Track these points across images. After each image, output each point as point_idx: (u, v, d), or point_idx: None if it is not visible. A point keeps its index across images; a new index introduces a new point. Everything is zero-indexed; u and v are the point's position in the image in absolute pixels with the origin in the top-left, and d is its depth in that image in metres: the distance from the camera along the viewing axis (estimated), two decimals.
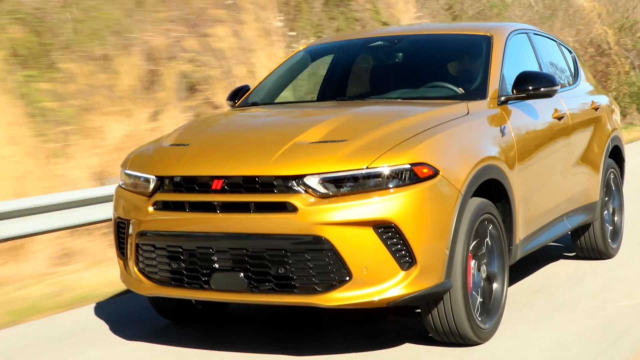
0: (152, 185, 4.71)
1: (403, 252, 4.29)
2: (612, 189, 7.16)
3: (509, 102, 5.42)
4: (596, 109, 6.86)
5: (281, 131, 4.86)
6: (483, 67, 5.51)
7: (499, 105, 5.32)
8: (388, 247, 4.27)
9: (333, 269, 4.28)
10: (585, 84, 7.10)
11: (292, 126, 4.98)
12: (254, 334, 5.23)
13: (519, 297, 5.78)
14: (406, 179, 4.32)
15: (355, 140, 4.46)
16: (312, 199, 4.28)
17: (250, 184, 4.39)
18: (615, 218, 7.22)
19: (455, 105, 5.12)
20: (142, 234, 4.70)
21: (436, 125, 4.69)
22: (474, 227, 4.67)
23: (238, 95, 6.19)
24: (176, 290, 4.66)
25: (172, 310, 5.34)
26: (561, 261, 6.97)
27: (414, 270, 4.31)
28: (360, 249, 4.25)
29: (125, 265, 4.90)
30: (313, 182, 4.30)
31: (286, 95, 6.38)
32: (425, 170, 4.36)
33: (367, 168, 4.29)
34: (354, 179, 4.29)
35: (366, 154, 4.35)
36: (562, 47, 7.05)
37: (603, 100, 7.22)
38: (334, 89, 6.27)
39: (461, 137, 4.80)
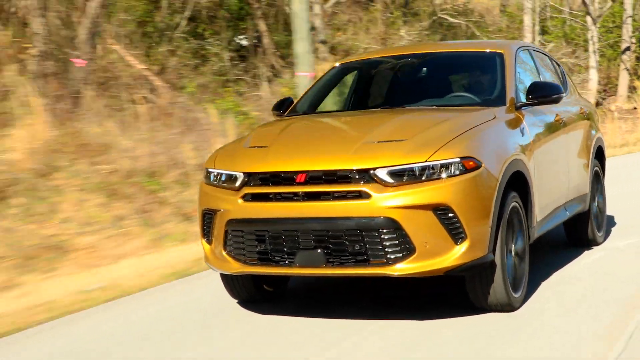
0: (239, 181, 5.63)
1: (457, 230, 5.29)
2: (598, 185, 8.26)
3: (522, 107, 6.47)
4: (584, 115, 7.97)
5: (350, 133, 5.94)
6: (500, 78, 6.56)
7: (515, 110, 6.37)
8: (445, 225, 5.26)
9: (400, 245, 5.25)
10: (573, 94, 8.21)
11: (358, 129, 6.01)
12: (316, 303, 6.17)
13: None
14: (457, 170, 5.32)
15: (413, 140, 5.47)
16: (382, 188, 5.25)
17: (330, 176, 5.36)
18: (600, 210, 8.31)
19: (484, 110, 6.15)
20: (231, 222, 5.62)
21: (475, 127, 5.72)
22: (508, 212, 5.69)
23: (283, 106, 7.16)
24: (263, 267, 5.59)
25: (243, 291, 6.26)
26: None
27: (465, 244, 5.31)
28: (422, 228, 5.24)
29: (212, 249, 5.81)
30: (382, 173, 5.28)
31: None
32: (471, 163, 5.37)
33: (426, 161, 5.29)
34: (416, 170, 5.28)
35: (424, 150, 5.35)
36: (552, 61, 8.14)
37: (588, 107, 8.34)
38: (370, 100, 7.34)
39: (494, 136, 5.85)
